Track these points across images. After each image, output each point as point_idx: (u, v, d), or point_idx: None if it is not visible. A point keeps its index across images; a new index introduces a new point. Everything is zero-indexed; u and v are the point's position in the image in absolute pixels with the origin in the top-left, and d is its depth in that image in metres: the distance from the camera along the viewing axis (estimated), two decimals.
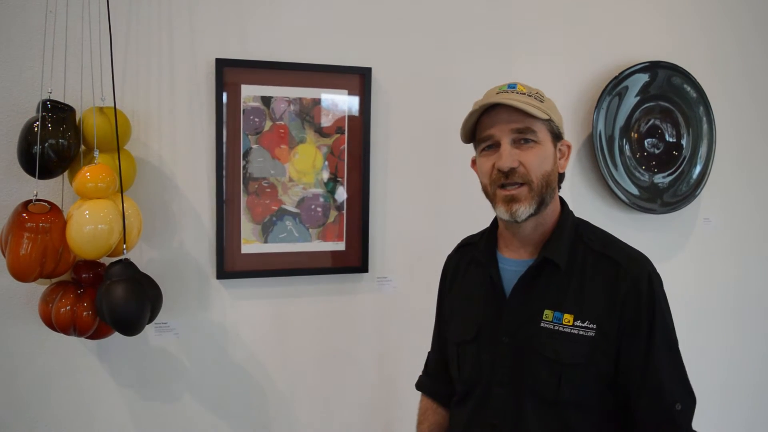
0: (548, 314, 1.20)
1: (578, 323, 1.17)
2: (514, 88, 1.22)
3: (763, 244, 2.38)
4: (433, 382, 1.49)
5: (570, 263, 1.22)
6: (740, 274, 2.36)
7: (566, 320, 1.18)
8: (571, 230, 1.26)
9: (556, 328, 1.18)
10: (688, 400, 1.18)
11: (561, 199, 1.31)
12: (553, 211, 1.26)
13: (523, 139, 1.19)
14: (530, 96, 1.20)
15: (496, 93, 1.22)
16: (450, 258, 1.48)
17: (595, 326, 1.17)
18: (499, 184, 1.20)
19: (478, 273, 1.33)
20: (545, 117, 1.20)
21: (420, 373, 1.54)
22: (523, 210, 1.18)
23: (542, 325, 1.20)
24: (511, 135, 1.19)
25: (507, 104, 1.18)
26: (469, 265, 1.38)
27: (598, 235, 1.27)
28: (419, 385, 1.52)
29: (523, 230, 1.25)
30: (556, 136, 1.25)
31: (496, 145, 1.21)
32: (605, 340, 1.16)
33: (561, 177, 1.29)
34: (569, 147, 1.29)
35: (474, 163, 1.33)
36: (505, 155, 1.18)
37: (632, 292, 1.17)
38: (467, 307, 1.34)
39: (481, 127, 1.24)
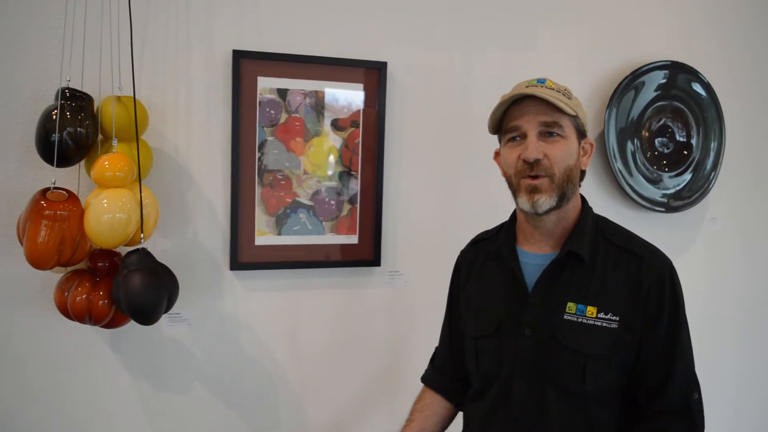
0: (571, 307, 1.21)
1: (601, 315, 1.19)
2: (543, 83, 1.23)
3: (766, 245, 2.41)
4: (439, 376, 1.49)
5: (592, 257, 1.24)
6: (747, 274, 2.38)
7: (590, 312, 1.20)
8: (593, 225, 1.28)
9: (580, 320, 1.20)
10: (700, 390, 1.23)
11: (581, 195, 1.32)
12: (574, 206, 1.28)
13: (549, 132, 1.21)
14: (559, 92, 1.22)
15: (525, 86, 1.24)
16: (464, 254, 1.49)
17: (618, 318, 1.19)
18: (523, 175, 1.22)
19: (497, 267, 1.34)
20: (573, 113, 1.21)
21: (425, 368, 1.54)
22: (544, 201, 1.20)
23: (566, 317, 1.21)
24: (538, 127, 1.21)
25: (537, 96, 1.19)
26: (486, 260, 1.39)
27: (618, 231, 1.30)
28: (426, 379, 1.52)
29: (545, 224, 1.26)
30: (581, 133, 1.27)
31: (522, 137, 1.23)
32: (628, 332, 1.18)
33: (582, 174, 1.31)
34: (592, 145, 1.30)
35: (497, 155, 1.34)
36: (532, 146, 1.20)
37: (655, 286, 1.19)
38: (485, 302, 1.35)
39: (508, 118, 1.25)
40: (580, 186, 1.32)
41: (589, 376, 1.19)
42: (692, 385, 1.21)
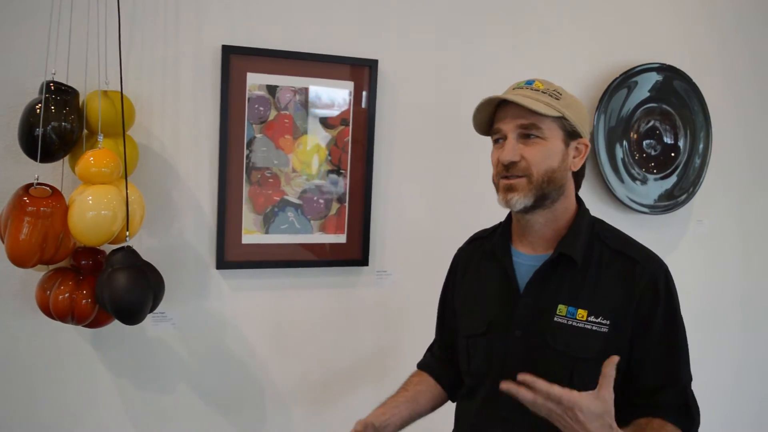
0: (562, 309, 1.21)
1: (591, 318, 1.19)
2: (531, 84, 1.24)
3: (750, 247, 2.43)
4: (436, 363, 1.50)
5: (586, 259, 1.24)
6: (737, 274, 2.41)
7: (580, 315, 1.20)
8: (588, 228, 1.28)
9: (570, 322, 1.20)
10: (691, 379, 1.25)
11: (578, 197, 1.32)
12: (566, 208, 1.27)
13: (527, 134, 1.22)
14: (545, 93, 1.21)
15: (512, 89, 1.25)
16: (461, 251, 1.49)
17: (608, 322, 1.19)
18: (502, 176, 1.24)
19: (491, 266, 1.34)
20: (554, 114, 1.20)
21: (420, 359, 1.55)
22: (518, 200, 1.21)
23: (556, 319, 1.21)
24: (516, 130, 1.22)
25: (511, 101, 1.20)
26: (481, 258, 1.39)
27: (614, 234, 1.30)
28: (424, 365, 1.51)
29: (532, 224, 1.26)
30: (570, 134, 1.25)
31: (503, 139, 1.24)
32: (619, 336, 1.19)
33: (581, 175, 1.31)
34: (587, 146, 1.28)
35: None
36: (507, 149, 1.21)
37: (649, 289, 1.19)
38: (478, 301, 1.35)
39: (494, 120, 1.27)
40: (579, 188, 1.32)
41: (576, 379, 1.18)
42: (687, 378, 1.23)
